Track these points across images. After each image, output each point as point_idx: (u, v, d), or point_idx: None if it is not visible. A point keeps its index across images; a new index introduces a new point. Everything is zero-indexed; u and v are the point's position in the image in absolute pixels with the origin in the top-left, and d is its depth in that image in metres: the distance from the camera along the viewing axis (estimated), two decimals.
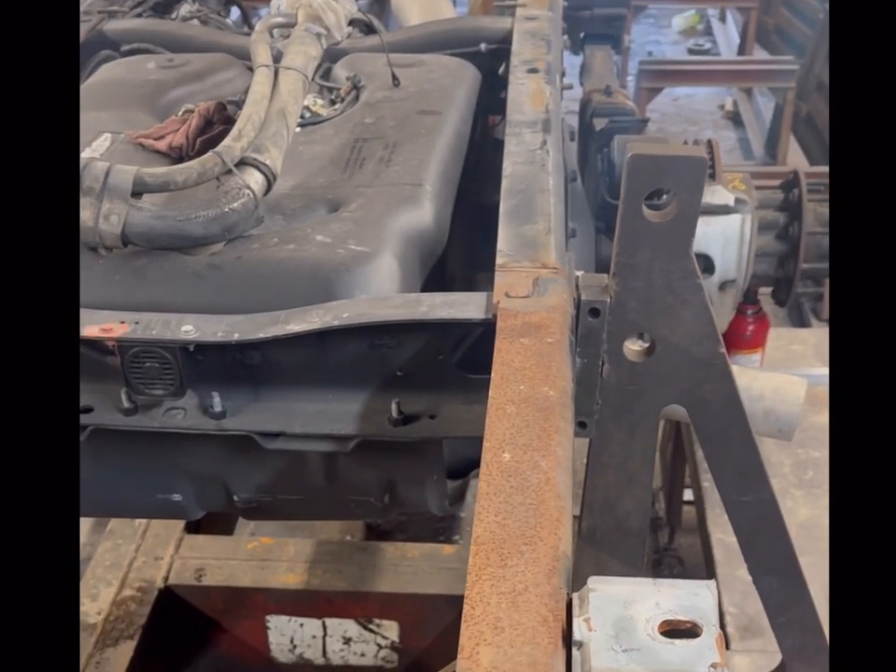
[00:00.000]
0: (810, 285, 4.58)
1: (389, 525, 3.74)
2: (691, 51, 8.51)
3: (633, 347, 1.31)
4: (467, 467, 1.57)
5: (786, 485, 2.77)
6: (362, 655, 3.04)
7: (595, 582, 0.87)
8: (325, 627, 3.01)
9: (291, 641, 3.07)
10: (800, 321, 4.79)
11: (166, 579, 3.06)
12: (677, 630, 0.84)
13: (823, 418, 3.03)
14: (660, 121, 7.24)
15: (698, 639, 0.83)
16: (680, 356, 1.29)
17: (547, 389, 1.12)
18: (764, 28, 7.43)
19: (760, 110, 6.86)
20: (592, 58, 3.03)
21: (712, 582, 0.89)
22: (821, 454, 2.89)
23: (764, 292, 3.01)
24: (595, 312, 1.26)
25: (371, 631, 2.99)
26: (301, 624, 3.01)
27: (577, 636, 0.83)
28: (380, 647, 3.02)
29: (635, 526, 1.44)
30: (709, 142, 2.77)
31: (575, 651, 0.83)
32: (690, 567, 3.56)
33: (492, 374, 1.14)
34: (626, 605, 0.85)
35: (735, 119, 7.24)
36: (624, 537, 1.44)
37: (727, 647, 2.28)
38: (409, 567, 2.95)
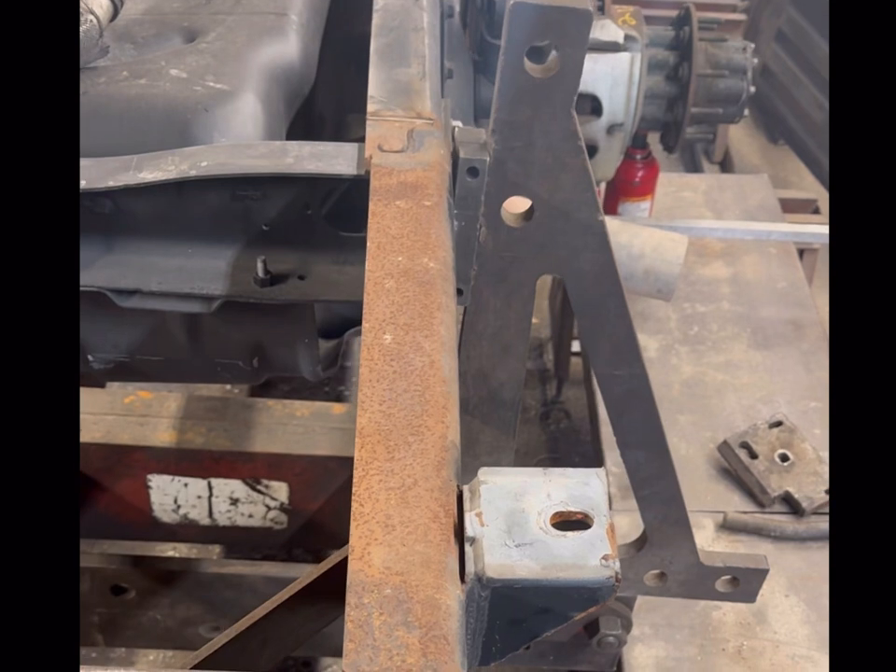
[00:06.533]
0: (702, 128, 4.49)
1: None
2: None
3: (511, 210, 1.25)
4: (342, 325, 1.48)
5: (671, 341, 2.74)
6: (250, 516, 2.96)
7: (485, 474, 0.84)
8: (210, 488, 2.91)
9: (175, 501, 2.96)
10: (692, 165, 4.73)
11: None
12: (568, 521, 0.83)
13: (710, 271, 2.99)
14: None
15: (589, 531, 0.82)
16: (559, 221, 1.23)
17: (427, 260, 1.04)
18: None
19: None
20: None
21: (601, 470, 0.87)
22: (707, 308, 2.85)
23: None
24: (473, 171, 1.18)
25: (260, 492, 2.91)
26: (186, 484, 2.90)
27: (469, 531, 0.80)
28: (269, 508, 2.95)
29: (508, 398, 1.41)
30: None
31: (468, 548, 0.80)
32: (576, 419, 3.56)
33: (367, 243, 1.04)
34: (517, 497, 0.83)
35: None
36: (498, 408, 1.42)
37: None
38: (298, 426, 2.84)
